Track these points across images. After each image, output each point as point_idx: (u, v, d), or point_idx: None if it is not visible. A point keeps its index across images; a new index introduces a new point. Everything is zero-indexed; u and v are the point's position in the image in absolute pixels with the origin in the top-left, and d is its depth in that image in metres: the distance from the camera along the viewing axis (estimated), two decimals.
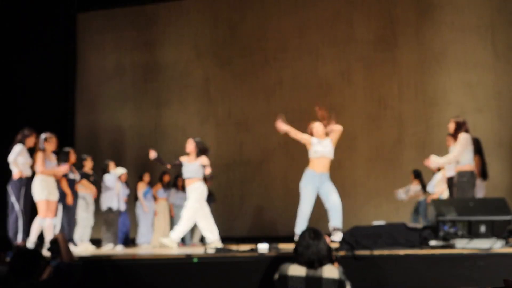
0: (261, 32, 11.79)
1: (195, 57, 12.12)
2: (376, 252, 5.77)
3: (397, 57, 11.04)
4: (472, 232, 6.55)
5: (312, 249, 4.49)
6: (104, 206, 9.53)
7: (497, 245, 5.92)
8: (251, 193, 11.32)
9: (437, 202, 7.46)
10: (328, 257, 4.55)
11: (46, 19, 11.72)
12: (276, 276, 4.56)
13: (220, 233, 8.22)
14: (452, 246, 6.40)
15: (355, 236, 6.50)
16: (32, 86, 11.66)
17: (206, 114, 12.00)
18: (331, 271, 4.51)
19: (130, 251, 8.04)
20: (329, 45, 11.39)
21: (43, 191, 7.82)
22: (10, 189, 7.83)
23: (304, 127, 11.30)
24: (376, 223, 9.13)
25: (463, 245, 6.15)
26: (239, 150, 11.70)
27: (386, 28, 11.14)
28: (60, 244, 5.60)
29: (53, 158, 8.12)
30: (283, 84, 11.60)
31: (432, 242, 6.74)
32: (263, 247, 6.41)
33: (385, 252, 5.77)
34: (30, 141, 8.08)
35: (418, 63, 10.91)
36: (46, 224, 7.81)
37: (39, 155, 7.93)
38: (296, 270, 4.52)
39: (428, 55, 10.85)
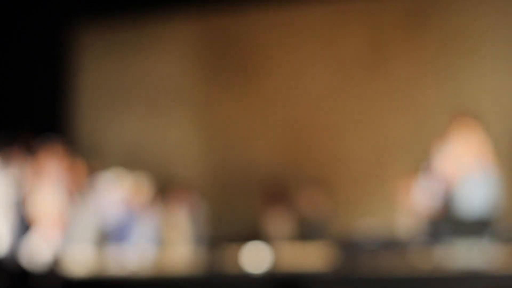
0: (252, 47, 11.99)
1: (188, 69, 12.35)
2: (370, 272, 5.86)
3: (390, 68, 11.20)
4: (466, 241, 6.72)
5: None
6: None
7: (490, 254, 6.06)
8: (245, 201, 11.43)
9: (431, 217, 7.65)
10: None
11: (36, 29, 11.95)
12: None
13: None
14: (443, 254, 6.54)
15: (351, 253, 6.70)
16: (30, 93, 12.00)
17: (199, 126, 12.23)
18: None
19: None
20: (321, 58, 11.59)
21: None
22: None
23: (296, 139, 11.66)
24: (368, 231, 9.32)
25: (456, 254, 6.29)
26: (231, 159, 11.89)
27: (378, 41, 11.30)
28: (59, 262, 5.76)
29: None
30: (275, 97, 11.81)
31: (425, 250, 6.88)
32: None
33: (380, 272, 5.88)
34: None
35: (410, 74, 11.11)
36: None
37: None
38: None
39: (426, 67, 11.06)
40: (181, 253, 9.71)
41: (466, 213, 7.11)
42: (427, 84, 11.02)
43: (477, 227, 6.71)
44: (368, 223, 10.21)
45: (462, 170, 7.23)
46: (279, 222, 10.17)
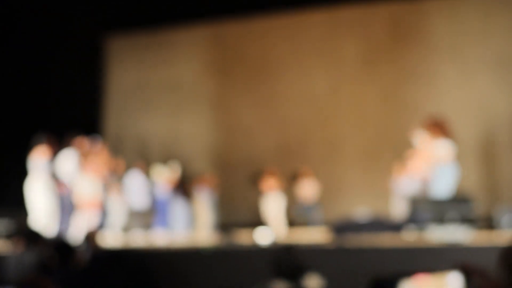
0: (261, 53, 13.23)
1: (205, 74, 13.58)
2: (362, 244, 6.71)
3: (381, 74, 12.35)
4: (442, 219, 7.57)
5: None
6: None
7: (462, 229, 6.89)
8: (253, 195, 12.01)
9: (413, 199, 8.52)
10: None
11: (77, 40, 13.31)
12: None
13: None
14: (423, 229, 7.37)
15: (345, 229, 7.52)
16: (65, 97, 13.21)
17: (216, 123, 13.46)
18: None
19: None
20: (322, 64, 12.81)
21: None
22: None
23: (298, 134, 12.61)
24: (360, 211, 10.21)
25: (434, 229, 7.11)
26: (244, 154, 13.03)
27: (370, 49, 12.48)
28: (92, 237, 6.60)
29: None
30: (281, 98, 13.01)
31: (408, 226, 7.76)
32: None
33: (370, 244, 6.67)
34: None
35: (400, 80, 12.22)
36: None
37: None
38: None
39: (409, 72, 12.16)
40: (205, 232, 10.81)
41: (438, 196, 8.01)
42: (410, 87, 12.10)
43: (447, 207, 7.53)
44: (360, 205, 11.14)
45: (434, 163, 8.17)
46: (278, 206, 10.60)
